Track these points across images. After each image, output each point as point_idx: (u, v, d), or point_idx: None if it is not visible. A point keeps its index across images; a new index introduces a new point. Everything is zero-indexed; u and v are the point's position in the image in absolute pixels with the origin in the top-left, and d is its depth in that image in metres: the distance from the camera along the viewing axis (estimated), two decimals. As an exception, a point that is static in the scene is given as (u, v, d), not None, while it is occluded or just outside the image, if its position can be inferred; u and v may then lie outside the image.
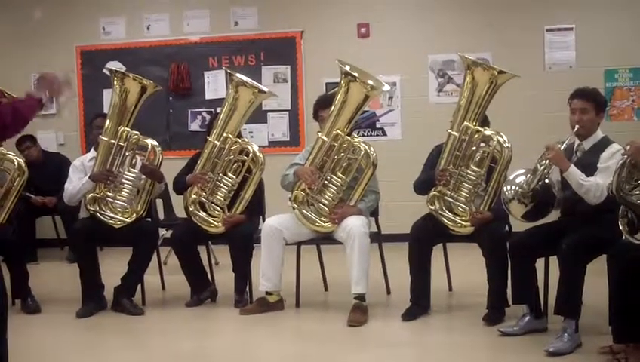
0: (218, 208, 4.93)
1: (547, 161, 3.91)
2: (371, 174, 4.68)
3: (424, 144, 5.01)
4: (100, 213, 4.88)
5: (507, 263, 4.18)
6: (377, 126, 7.61)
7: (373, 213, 5.03)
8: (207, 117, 7.53)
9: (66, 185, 5.01)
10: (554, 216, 4.16)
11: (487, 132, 4.44)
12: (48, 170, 6.71)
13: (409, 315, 4.44)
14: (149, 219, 5.25)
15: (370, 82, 4.63)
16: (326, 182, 4.68)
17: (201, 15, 7.89)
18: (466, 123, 4.43)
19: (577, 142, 4.10)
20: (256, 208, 5.14)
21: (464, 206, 4.46)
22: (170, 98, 7.84)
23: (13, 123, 2.67)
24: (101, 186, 4.89)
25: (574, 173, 3.86)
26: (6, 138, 2.77)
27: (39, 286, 5.22)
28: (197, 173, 4.91)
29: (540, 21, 7.28)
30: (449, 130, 4.50)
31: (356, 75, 4.60)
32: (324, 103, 4.89)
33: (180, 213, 5.73)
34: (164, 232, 6.17)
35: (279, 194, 5.02)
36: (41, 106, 2.76)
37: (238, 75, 4.97)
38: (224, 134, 4.88)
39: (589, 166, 3.93)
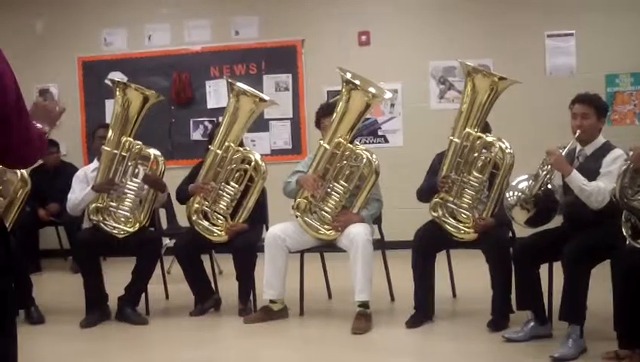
0: (221, 217, 4.93)
1: (549, 166, 3.91)
2: (374, 182, 4.67)
3: (426, 151, 5.01)
4: (103, 223, 4.88)
5: (511, 269, 4.18)
6: (379, 133, 7.61)
7: (377, 220, 5.02)
8: (209, 126, 7.54)
9: (69, 195, 5.02)
10: (557, 221, 4.15)
11: (489, 138, 4.44)
12: (61, 179, 6.64)
13: (413, 322, 4.43)
14: (152, 229, 5.26)
15: (371, 90, 4.63)
16: (328, 190, 4.68)
17: (202, 25, 7.90)
18: (467, 129, 4.43)
19: (579, 147, 4.09)
20: (259, 217, 5.14)
21: (467, 212, 4.46)
22: (172, 108, 7.84)
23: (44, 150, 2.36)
24: (104, 196, 4.90)
25: (576, 178, 3.85)
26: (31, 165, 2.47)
27: (43, 297, 5.23)
28: (199, 183, 4.92)
29: (540, 27, 7.28)
30: (450, 137, 4.49)
31: (358, 82, 4.60)
32: (326, 111, 4.89)
33: (183, 222, 5.72)
34: (167, 241, 6.17)
35: (282, 202, 5.02)
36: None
37: (239, 84, 4.98)
38: (226, 143, 4.89)
39: (591, 171, 3.92)
